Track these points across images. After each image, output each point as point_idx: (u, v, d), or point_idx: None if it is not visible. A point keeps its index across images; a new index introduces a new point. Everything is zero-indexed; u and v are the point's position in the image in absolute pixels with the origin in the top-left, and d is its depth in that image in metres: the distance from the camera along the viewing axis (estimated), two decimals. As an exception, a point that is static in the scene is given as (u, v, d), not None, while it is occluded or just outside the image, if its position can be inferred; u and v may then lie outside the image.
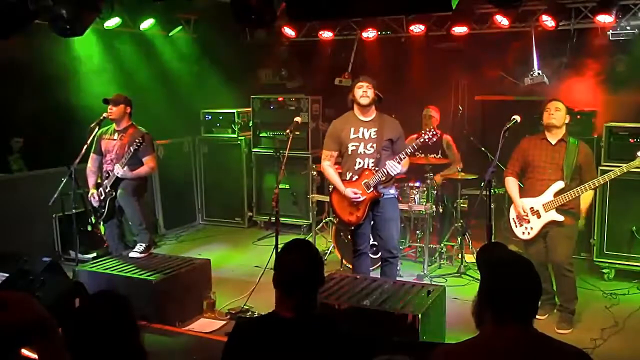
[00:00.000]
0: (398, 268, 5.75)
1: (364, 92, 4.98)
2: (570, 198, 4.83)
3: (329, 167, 5.22)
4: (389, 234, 5.13)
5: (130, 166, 5.54)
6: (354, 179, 5.07)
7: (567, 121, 4.98)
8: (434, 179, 6.36)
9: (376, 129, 5.03)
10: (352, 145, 5.06)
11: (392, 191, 5.18)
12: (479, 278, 2.31)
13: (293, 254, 2.55)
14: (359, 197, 5.01)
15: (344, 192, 5.06)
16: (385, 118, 5.15)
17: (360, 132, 5.05)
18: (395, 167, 4.88)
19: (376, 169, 4.98)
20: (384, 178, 4.96)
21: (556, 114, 4.91)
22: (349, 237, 6.38)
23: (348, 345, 2.43)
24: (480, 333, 2.20)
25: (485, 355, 2.10)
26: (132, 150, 5.44)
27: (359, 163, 5.05)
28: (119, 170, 5.50)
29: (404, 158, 4.92)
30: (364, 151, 5.04)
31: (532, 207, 4.99)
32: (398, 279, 5.11)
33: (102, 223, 5.85)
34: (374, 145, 5.01)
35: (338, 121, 5.23)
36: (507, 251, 2.59)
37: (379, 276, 5.21)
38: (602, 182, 4.91)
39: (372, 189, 5.00)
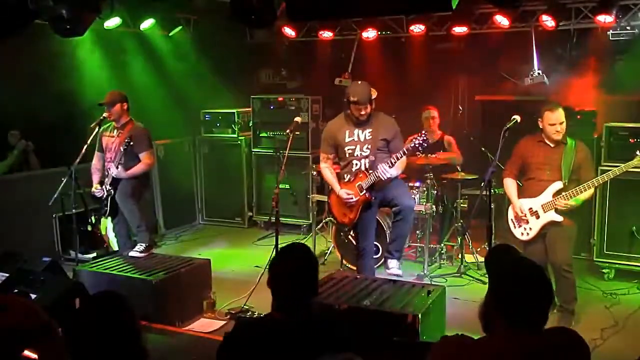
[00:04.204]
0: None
1: (361, 114, 5.00)
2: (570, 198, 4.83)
3: (326, 169, 5.33)
4: (398, 193, 5.13)
5: (127, 164, 5.56)
6: (350, 180, 5.16)
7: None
8: (446, 177, 6.44)
9: (371, 130, 5.09)
10: (349, 149, 5.14)
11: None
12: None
13: (284, 256, 2.58)
14: (352, 199, 5.10)
15: (338, 193, 5.17)
16: (380, 117, 5.18)
17: (356, 134, 5.11)
18: (385, 171, 4.90)
19: (370, 171, 5.04)
20: (377, 180, 5.00)
21: (562, 128, 4.85)
22: (350, 237, 6.43)
23: (342, 346, 2.43)
24: (491, 335, 2.19)
25: (495, 358, 2.10)
26: (122, 150, 5.48)
27: (356, 165, 5.14)
28: (114, 171, 5.55)
29: (395, 162, 4.93)
30: (360, 153, 5.11)
31: (531, 208, 4.98)
32: (398, 279, 5.09)
33: (109, 219, 5.88)
34: (369, 146, 5.07)
35: (333, 123, 5.30)
36: (518, 255, 2.56)
37: (392, 228, 5.38)
38: (601, 182, 4.90)
39: (364, 191, 5.07)
